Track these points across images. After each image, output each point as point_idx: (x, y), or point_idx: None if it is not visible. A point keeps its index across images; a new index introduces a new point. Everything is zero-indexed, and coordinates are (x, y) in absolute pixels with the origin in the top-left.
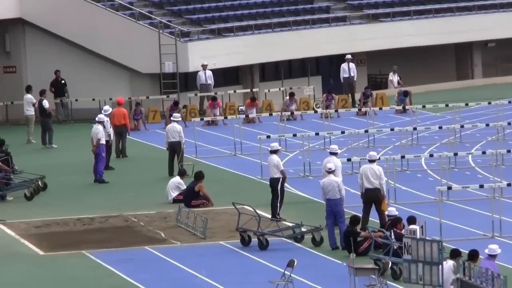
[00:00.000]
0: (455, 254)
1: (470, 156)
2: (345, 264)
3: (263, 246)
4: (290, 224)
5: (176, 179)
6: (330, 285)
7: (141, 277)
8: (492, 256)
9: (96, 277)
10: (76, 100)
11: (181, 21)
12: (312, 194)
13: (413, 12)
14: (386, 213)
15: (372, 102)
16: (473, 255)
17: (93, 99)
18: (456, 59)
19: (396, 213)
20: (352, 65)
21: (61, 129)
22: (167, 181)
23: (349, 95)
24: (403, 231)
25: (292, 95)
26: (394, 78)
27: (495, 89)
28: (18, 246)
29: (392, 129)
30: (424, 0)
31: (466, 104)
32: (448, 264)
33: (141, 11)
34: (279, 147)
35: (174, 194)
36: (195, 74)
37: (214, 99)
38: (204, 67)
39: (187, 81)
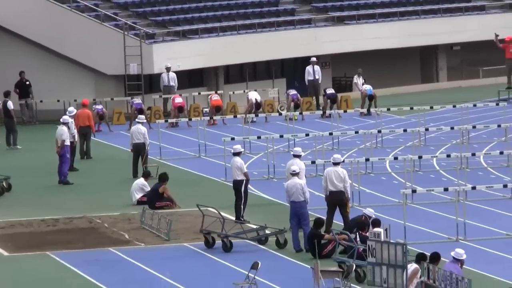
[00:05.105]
0: (421, 258)
1: (434, 159)
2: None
3: (227, 248)
4: (254, 226)
5: (140, 180)
6: None
7: (105, 279)
8: (457, 260)
9: (61, 279)
10: (41, 101)
11: (146, 23)
12: (276, 197)
13: (378, 15)
14: (365, 212)
15: (337, 104)
16: (435, 258)
17: (58, 100)
18: (421, 62)
19: (373, 216)
20: (317, 67)
21: (25, 130)
22: (131, 182)
23: (314, 97)
24: (367, 234)
25: (258, 105)
26: (359, 80)
27: (460, 92)
28: None
29: (356, 132)
30: (389, 2)
31: (431, 107)
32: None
33: (106, 12)
34: (242, 149)
35: (138, 195)
36: (159, 75)
37: (180, 109)
38: (168, 69)
39: (152, 83)
